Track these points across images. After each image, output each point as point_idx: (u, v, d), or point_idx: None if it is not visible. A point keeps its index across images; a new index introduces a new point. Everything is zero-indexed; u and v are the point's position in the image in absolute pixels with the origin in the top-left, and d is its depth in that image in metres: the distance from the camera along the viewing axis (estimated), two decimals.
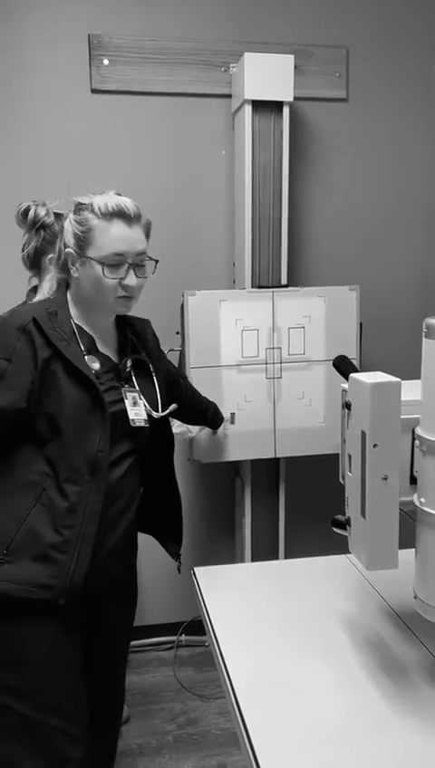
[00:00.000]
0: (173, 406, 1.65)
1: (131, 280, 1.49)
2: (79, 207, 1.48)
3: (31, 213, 1.85)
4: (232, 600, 1.45)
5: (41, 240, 1.86)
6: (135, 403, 1.53)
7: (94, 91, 2.47)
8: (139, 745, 2.21)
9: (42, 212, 1.85)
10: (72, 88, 2.45)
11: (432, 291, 2.72)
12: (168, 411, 1.62)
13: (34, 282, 1.94)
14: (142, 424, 1.52)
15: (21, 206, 1.87)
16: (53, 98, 2.45)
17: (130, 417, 1.50)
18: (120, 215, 1.47)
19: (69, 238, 1.48)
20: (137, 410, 1.52)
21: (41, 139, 2.45)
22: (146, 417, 1.53)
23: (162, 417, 1.59)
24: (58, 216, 1.79)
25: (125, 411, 1.50)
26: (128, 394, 1.52)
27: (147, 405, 1.55)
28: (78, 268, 1.48)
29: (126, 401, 1.51)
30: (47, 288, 1.78)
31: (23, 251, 1.88)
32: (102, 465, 1.42)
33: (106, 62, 2.44)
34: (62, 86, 2.45)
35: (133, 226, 1.49)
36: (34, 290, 1.94)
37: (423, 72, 2.66)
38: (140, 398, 1.54)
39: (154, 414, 1.56)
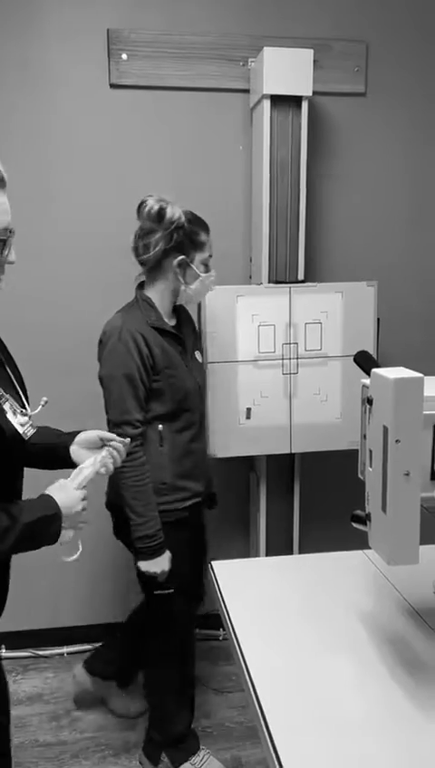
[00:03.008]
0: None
1: None
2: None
3: (168, 213, 1.85)
4: (250, 593, 1.46)
5: (173, 241, 1.86)
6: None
7: (113, 85, 2.47)
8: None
9: (177, 212, 1.86)
10: (91, 83, 2.46)
11: None
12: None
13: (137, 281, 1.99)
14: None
15: (151, 205, 1.85)
16: (72, 92, 2.45)
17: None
18: None
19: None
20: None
21: (59, 134, 2.46)
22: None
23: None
24: None
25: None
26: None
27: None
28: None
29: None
30: (163, 289, 1.92)
31: (149, 251, 1.87)
32: None
33: (125, 56, 2.44)
34: (81, 81, 2.45)
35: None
36: (141, 286, 1.98)
37: None
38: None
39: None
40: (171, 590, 1.93)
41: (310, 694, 1.12)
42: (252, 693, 1.14)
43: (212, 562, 1.59)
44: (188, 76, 2.49)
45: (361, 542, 1.22)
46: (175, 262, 1.89)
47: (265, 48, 2.29)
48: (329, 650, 1.23)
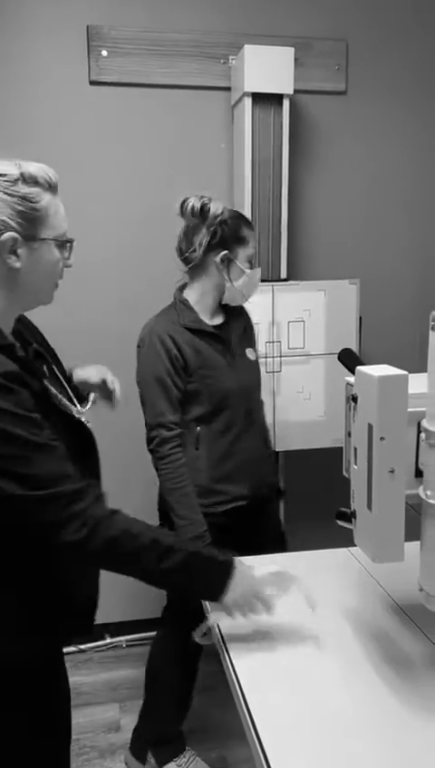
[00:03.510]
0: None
1: None
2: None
3: (212, 208, 1.83)
4: None
5: (217, 237, 1.84)
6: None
7: (93, 82, 2.45)
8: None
9: (220, 208, 1.85)
10: (71, 79, 2.44)
11: (431, 283, 2.72)
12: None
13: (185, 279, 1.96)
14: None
15: (193, 203, 1.84)
16: (52, 89, 2.43)
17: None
18: None
19: None
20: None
21: (39, 131, 2.43)
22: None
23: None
24: None
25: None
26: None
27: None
28: None
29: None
30: (206, 287, 1.88)
31: (193, 248, 1.86)
32: None
33: (105, 53, 2.42)
34: (61, 77, 2.43)
35: None
36: (182, 288, 1.95)
37: (422, 64, 2.66)
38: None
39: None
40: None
41: (296, 691, 1.12)
42: (238, 691, 1.13)
43: None
44: (168, 73, 2.48)
45: (346, 540, 1.22)
46: (218, 258, 1.85)
47: (245, 46, 2.28)
48: (314, 647, 1.23)
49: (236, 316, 1.99)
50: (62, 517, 1.08)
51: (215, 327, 1.90)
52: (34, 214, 1.16)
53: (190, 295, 1.91)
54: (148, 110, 2.51)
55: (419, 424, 1.12)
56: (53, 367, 1.31)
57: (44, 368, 1.25)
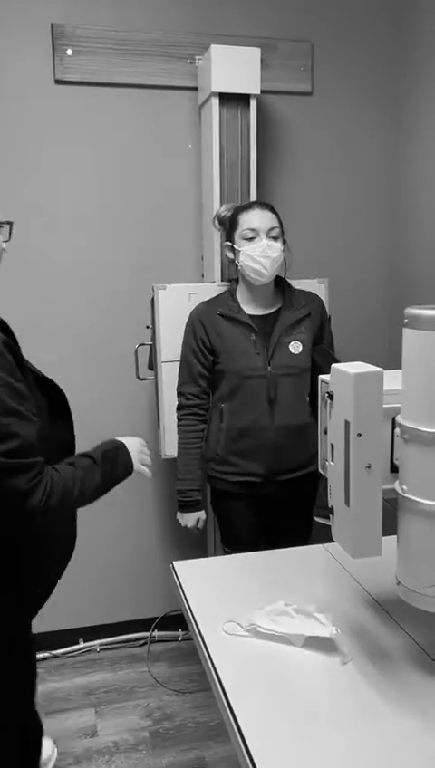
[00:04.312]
0: None
1: None
2: None
3: (219, 214, 2.19)
4: (212, 592, 1.45)
5: (225, 235, 2.14)
6: None
7: (58, 81, 2.42)
8: (115, 743, 2.20)
9: (222, 210, 2.18)
10: (35, 79, 2.40)
11: (398, 282, 2.76)
12: None
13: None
14: None
15: (227, 213, 2.13)
16: (16, 88, 2.39)
17: None
18: None
19: None
20: None
21: (2, 131, 2.39)
22: None
23: None
24: None
25: None
26: None
27: None
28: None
29: None
30: (239, 279, 2.14)
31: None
32: None
33: (70, 52, 2.40)
34: (25, 76, 2.39)
35: None
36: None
37: (386, 65, 2.69)
38: None
39: None
40: (230, 552, 2.13)
41: (277, 686, 1.13)
42: (219, 689, 1.13)
43: (173, 562, 1.58)
44: (135, 73, 2.46)
45: (322, 536, 1.23)
46: (226, 251, 2.12)
47: (212, 46, 2.28)
48: (293, 643, 1.24)
49: (295, 306, 2.11)
50: (30, 486, 1.22)
51: (253, 316, 2.07)
52: None
53: (239, 287, 2.14)
54: (114, 110, 2.49)
55: (393, 420, 1.13)
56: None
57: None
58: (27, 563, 1.42)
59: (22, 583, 1.43)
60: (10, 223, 1.40)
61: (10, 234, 1.40)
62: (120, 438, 1.52)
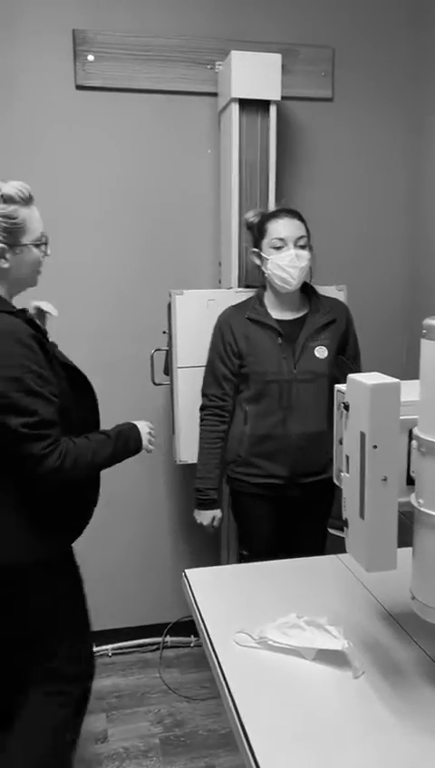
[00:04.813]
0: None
1: None
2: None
3: (248, 219, 2.20)
4: (224, 601, 1.44)
5: (253, 242, 2.16)
6: None
7: (79, 87, 2.44)
8: (125, 749, 2.19)
9: (250, 215, 2.19)
10: (57, 84, 2.42)
11: (418, 290, 2.73)
12: None
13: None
14: None
15: (254, 219, 2.14)
16: (37, 94, 2.41)
17: None
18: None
19: None
20: None
21: (24, 136, 2.41)
22: None
23: None
24: None
25: None
26: None
27: None
28: None
29: None
30: (267, 285, 2.16)
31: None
32: None
33: (91, 57, 2.41)
34: (46, 82, 2.41)
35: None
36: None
37: (408, 70, 2.67)
38: None
39: None
40: (247, 554, 2.19)
41: (287, 699, 1.11)
42: (229, 699, 1.12)
43: (185, 570, 1.57)
44: (155, 78, 2.47)
45: (339, 547, 1.21)
46: (253, 256, 2.13)
47: (233, 52, 2.28)
48: (304, 656, 1.22)
49: (321, 312, 2.13)
50: (45, 452, 1.44)
51: (280, 321, 2.09)
52: (15, 227, 1.51)
53: (266, 292, 2.15)
54: (134, 115, 2.50)
55: (410, 432, 1.12)
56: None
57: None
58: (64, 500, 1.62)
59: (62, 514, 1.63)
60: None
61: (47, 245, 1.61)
62: (133, 421, 1.74)
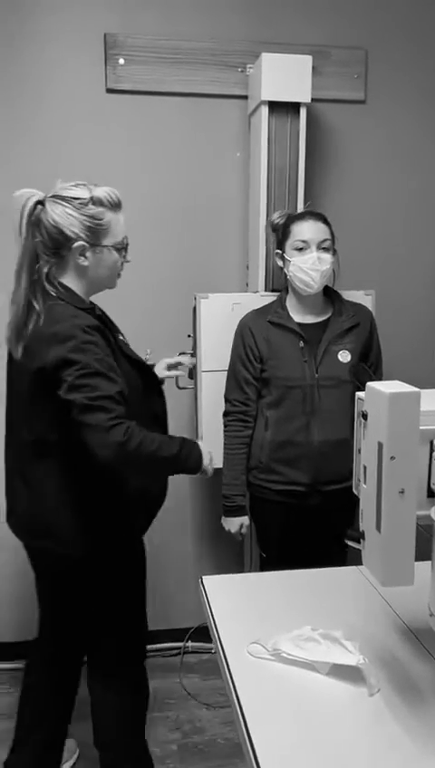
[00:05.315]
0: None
1: None
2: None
3: (273, 220, 2.16)
4: (240, 609, 1.42)
5: (276, 244, 2.13)
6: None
7: (109, 90, 2.44)
8: None
9: (275, 217, 2.16)
10: (87, 87, 2.43)
11: None
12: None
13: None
14: None
15: (280, 220, 2.11)
16: (68, 97, 2.43)
17: None
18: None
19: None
20: None
21: (55, 139, 2.43)
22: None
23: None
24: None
25: None
26: None
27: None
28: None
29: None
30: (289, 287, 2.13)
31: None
32: None
33: (122, 61, 2.42)
34: (77, 85, 2.43)
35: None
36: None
37: None
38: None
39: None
40: (266, 558, 2.21)
41: (298, 714, 1.09)
42: (238, 711, 1.10)
43: (202, 577, 1.56)
44: (185, 81, 2.46)
45: (361, 558, 1.18)
46: (276, 258, 2.11)
47: (263, 54, 2.26)
48: (319, 671, 1.19)
49: (345, 316, 2.10)
50: (109, 424, 1.44)
51: (302, 324, 2.06)
52: (98, 228, 1.59)
53: (288, 295, 2.13)
54: (164, 119, 2.50)
55: (431, 443, 1.09)
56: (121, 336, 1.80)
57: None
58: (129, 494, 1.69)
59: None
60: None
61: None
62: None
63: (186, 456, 1.63)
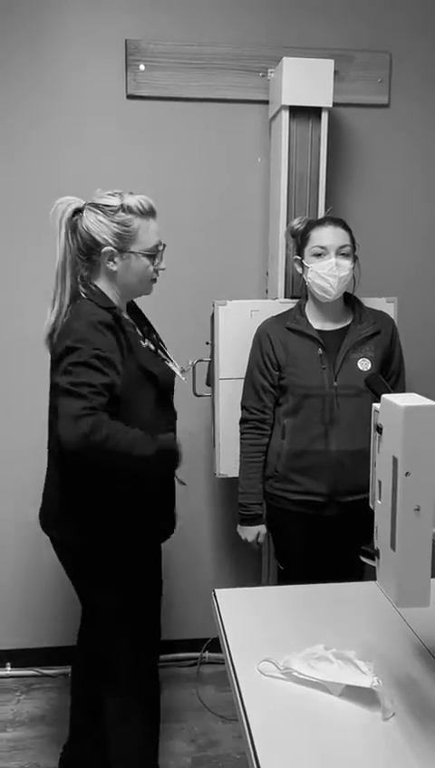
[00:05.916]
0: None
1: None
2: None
3: (293, 227, 2.13)
4: (251, 623, 1.39)
5: (296, 250, 2.11)
6: None
7: (130, 96, 2.44)
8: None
9: (295, 223, 2.12)
10: (108, 93, 2.43)
11: None
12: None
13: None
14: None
15: (300, 226, 2.08)
16: (89, 103, 2.42)
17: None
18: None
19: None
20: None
21: (75, 145, 2.43)
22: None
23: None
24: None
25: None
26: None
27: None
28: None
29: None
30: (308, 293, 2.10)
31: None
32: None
33: (142, 67, 2.41)
34: (98, 91, 2.42)
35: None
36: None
37: None
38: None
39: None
40: (284, 569, 2.18)
41: (307, 736, 1.05)
42: (245, 727, 1.07)
43: (215, 590, 1.53)
44: (206, 87, 2.45)
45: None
46: (295, 264, 2.09)
47: (284, 58, 2.24)
48: (331, 691, 1.15)
49: (365, 323, 2.06)
50: (80, 413, 1.44)
51: (321, 332, 2.03)
52: (126, 234, 1.64)
53: (307, 302, 2.10)
54: (185, 124, 2.48)
55: None
56: (158, 340, 1.85)
57: (154, 337, 1.84)
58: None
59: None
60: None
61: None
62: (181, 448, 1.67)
63: (160, 460, 1.60)
